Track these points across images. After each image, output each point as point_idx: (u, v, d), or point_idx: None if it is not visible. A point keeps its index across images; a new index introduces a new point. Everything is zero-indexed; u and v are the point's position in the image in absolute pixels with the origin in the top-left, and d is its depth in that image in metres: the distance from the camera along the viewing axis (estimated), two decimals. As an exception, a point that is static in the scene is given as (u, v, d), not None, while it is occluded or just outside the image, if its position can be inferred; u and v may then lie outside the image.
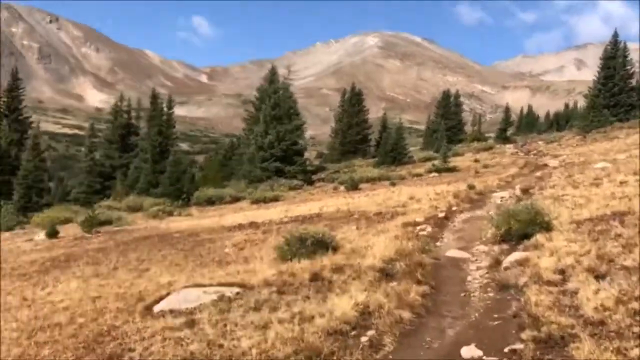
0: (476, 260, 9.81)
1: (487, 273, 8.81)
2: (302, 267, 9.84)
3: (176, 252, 15.40)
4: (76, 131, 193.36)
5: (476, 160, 41.88)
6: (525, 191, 18.70)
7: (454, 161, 41.33)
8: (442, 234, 12.74)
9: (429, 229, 13.18)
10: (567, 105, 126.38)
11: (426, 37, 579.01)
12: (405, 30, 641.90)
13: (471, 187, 21.38)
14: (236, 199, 37.30)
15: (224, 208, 33.56)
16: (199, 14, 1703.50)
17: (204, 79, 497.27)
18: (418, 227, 13.38)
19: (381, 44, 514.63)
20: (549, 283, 7.07)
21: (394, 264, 9.19)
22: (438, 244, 11.60)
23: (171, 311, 7.99)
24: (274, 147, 44.87)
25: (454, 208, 16.32)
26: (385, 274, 8.79)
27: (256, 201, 32.69)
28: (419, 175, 36.30)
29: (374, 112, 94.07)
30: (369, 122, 68.12)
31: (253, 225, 18.96)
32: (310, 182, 44.32)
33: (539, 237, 9.63)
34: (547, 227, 10.31)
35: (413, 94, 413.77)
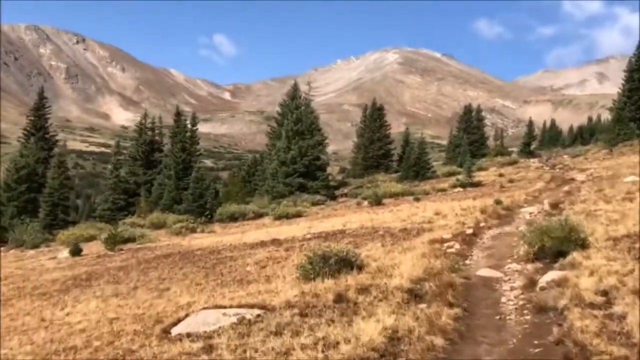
0: (509, 279, 9.31)
1: (522, 294, 8.32)
2: (326, 287, 9.45)
3: (197, 270, 15.13)
4: (103, 149, 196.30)
5: (501, 175, 41.11)
6: (555, 206, 18.10)
7: (478, 176, 40.66)
8: (471, 251, 12.25)
9: (457, 246, 12.70)
10: (590, 119, 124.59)
11: (445, 53, 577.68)
12: (425, 46, 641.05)
13: (498, 202, 20.80)
14: (259, 215, 37.05)
15: (247, 224, 33.33)
16: (220, 32, 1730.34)
17: (227, 96, 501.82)
18: (445, 244, 12.90)
19: (401, 60, 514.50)
20: (592, 306, 6.57)
21: (423, 284, 8.75)
22: (467, 262, 11.11)
23: (189, 335, 7.65)
24: (296, 162, 44.66)
25: (481, 224, 15.80)
26: (414, 295, 8.35)
27: (279, 217, 32.40)
28: (443, 190, 35.69)
29: (395, 127, 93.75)
30: (390, 137, 67.66)
31: (275, 242, 18.63)
32: (333, 198, 43.99)
33: (576, 255, 9.12)
34: (583, 245, 9.80)
35: (434, 109, 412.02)
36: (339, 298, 8.50)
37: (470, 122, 77.36)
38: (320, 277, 10.43)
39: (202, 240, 24.73)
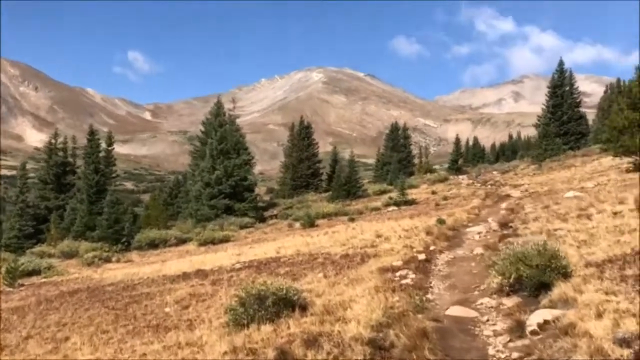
0: (488, 320, 7.67)
1: (510, 341, 6.68)
2: (264, 337, 7.57)
3: (106, 312, 12.77)
4: (15, 172, 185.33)
5: (434, 192, 40.47)
6: (504, 225, 16.92)
7: (410, 193, 39.74)
8: (429, 281, 10.61)
9: (411, 275, 11.05)
10: (510, 136, 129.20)
11: (369, 73, 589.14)
12: (348, 66, 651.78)
13: (441, 221, 19.49)
14: (182, 241, 34.58)
15: (169, 252, 30.75)
16: (134, 49, 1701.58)
17: (147, 116, 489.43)
18: (398, 273, 11.24)
19: (325, 79, 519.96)
20: (624, 365, 4.98)
21: (387, 332, 6.98)
22: (430, 296, 9.43)
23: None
24: (222, 183, 42.42)
25: (431, 247, 14.28)
26: (378, 347, 6.56)
27: (204, 243, 30.07)
28: (377, 209, 34.42)
29: (322, 146, 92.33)
30: (318, 156, 66.44)
31: (200, 273, 16.46)
32: (263, 220, 41.95)
33: (564, 288, 7.61)
34: (565, 273, 8.34)
35: (359, 129, 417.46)
36: (282, 356, 6.60)
37: (397, 140, 77.36)
38: (255, 323, 8.53)
39: (116, 272, 22.10)
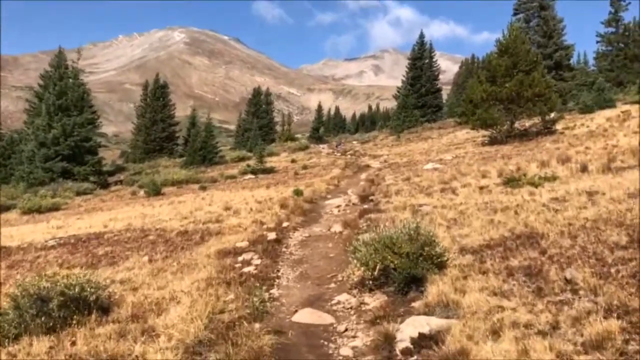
0: (346, 330, 5.82)
1: (376, 365, 4.89)
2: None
3: None
4: None
5: (293, 161, 38.92)
6: (364, 198, 15.48)
7: (270, 161, 37.85)
8: (276, 269, 8.67)
9: (256, 260, 9.08)
10: (370, 108, 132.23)
11: (234, 37, 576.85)
12: (211, 28, 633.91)
13: (298, 193, 17.72)
14: (7, 208, 29.94)
15: (-15, 221, 26.31)
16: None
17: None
18: (241, 258, 9.22)
19: (188, 40, 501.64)
20: None
21: (208, 353, 4.91)
22: (275, 291, 7.46)
23: None
24: (59, 143, 37.72)
25: (285, 224, 12.40)
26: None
27: (29, 211, 25.97)
28: (232, 177, 32.11)
29: (181, 110, 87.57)
30: (176, 119, 62.25)
31: (2, 252, 13.31)
32: (106, 186, 37.98)
33: (441, 286, 5.98)
34: (439, 263, 6.77)
35: (222, 93, 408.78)
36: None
37: (259, 105, 75.11)
38: (29, 335, 6.07)
39: None
